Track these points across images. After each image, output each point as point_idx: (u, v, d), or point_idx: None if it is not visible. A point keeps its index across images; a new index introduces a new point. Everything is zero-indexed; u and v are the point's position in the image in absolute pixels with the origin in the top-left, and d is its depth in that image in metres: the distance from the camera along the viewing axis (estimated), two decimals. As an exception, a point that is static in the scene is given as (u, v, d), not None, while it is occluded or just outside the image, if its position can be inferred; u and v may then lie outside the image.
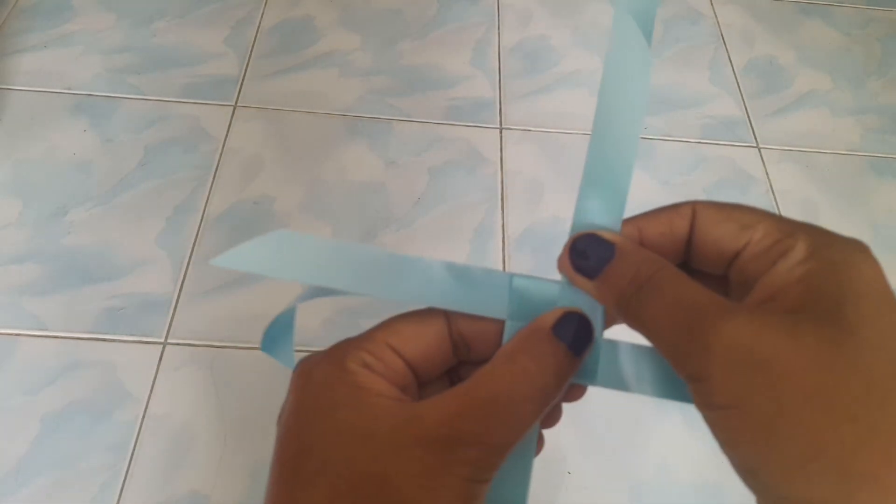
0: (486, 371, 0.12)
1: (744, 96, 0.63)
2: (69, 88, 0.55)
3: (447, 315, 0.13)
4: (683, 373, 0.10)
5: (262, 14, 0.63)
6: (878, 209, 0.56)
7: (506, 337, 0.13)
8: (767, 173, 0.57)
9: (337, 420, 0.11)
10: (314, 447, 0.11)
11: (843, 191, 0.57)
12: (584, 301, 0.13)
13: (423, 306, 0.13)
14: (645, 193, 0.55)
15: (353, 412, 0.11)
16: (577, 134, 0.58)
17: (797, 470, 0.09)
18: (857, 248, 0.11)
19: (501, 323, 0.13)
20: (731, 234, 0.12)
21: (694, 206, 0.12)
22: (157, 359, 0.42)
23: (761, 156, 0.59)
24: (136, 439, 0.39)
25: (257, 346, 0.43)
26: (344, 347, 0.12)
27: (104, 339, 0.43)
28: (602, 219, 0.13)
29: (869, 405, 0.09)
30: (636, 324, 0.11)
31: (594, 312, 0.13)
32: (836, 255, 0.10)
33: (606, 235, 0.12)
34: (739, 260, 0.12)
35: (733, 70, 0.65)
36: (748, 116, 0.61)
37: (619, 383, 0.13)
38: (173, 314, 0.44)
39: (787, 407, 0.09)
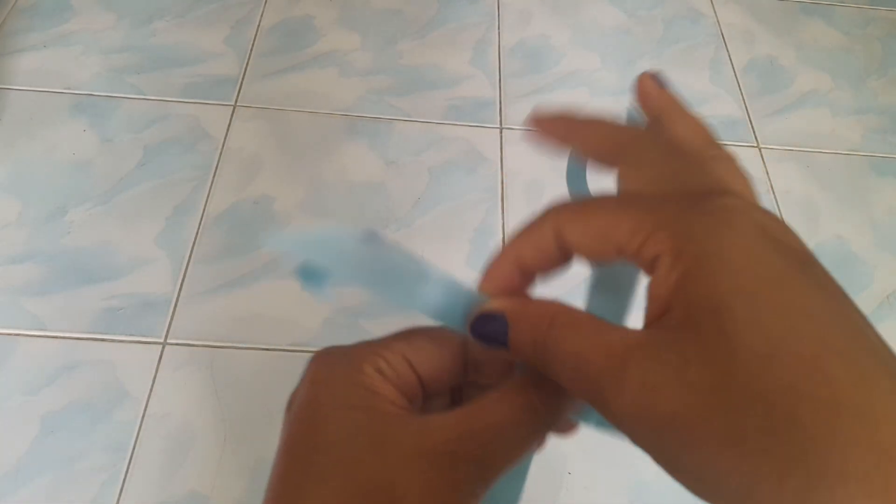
0: (496, 398, 0.12)
1: (744, 96, 0.62)
2: (69, 88, 0.55)
3: (465, 339, 0.13)
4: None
5: (262, 14, 0.62)
6: (878, 209, 0.56)
7: (518, 365, 0.13)
8: (768, 173, 0.57)
9: (352, 421, 0.11)
10: (328, 444, 0.11)
11: (844, 190, 0.57)
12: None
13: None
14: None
15: (368, 416, 0.11)
16: (577, 134, 0.58)
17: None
18: (725, 225, 0.10)
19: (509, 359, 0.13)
20: (597, 246, 0.11)
21: (555, 222, 0.12)
22: (157, 359, 0.42)
23: (762, 155, 0.59)
24: (136, 439, 0.39)
25: (257, 346, 0.43)
26: (363, 350, 0.12)
27: (104, 340, 0.43)
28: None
29: (777, 432, 0.08)
30: (546, 368, 0.11)
31: None
32: (701, 246, 0.10)
33: (494, 305, 0.12)
34: (626, 261, 0.11)
35: (734, 70, 0.64)
36: (748, 116, 0.61)
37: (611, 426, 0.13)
38: (173, 314, 0.44)
39: (707, 462, 0.09)
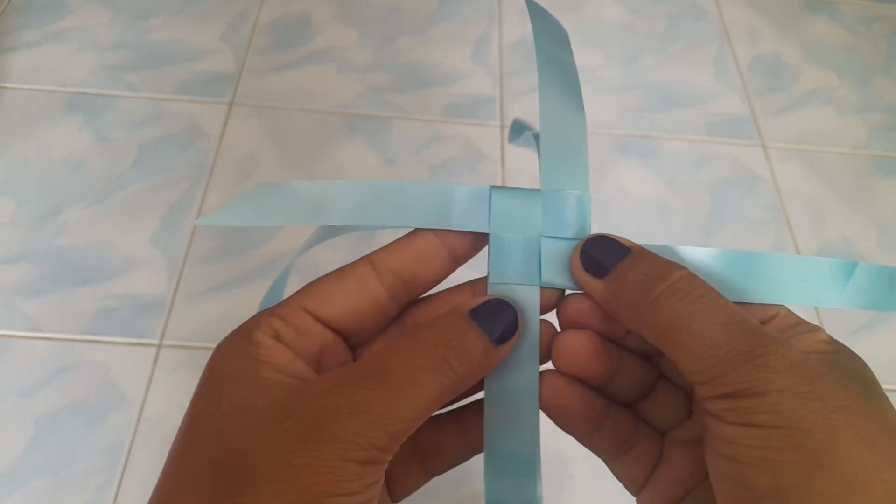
0: (386, 344, 0.11)
1: (749, 94, 0.62)
2: (63, 86, 0.54)
3: (370, 259, 0.12)
4: (722, 389, 0.10)
5: (259, 10, 0.62)
6: (884, 208, 0.55)
7: (491, 259, 0.12)
8: (773, 172, 0.57)
9: (224, 392, 0.10)
10: (195, 424, 0.11)
11: (850, 190, 0.56)
12: (569, 213, 0.13)
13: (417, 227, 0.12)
14: (649, 191, 0.54)
15: (241, 385, 0.10)
16: (578, 132, 0.57)
17: (836, 501, 0.09)
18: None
19: (437, 250, 0.13)
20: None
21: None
22: (153, 360, 0.42)
23: (766, 154, 0.58)
24: (131, 442, 0.39)
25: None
26: (259, 317, 0.11)
27: (98, 341, 0.42)
28: (569, 177, 0.13)
29: None
30: (667, 324, 0.11)
31: (580, 224, 0.13)
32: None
33: (620, 239, 0.12)
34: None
35: (738, 67, 0.64)
36: (753, 114, 0.60)
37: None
38: (168, 315, 0.43)
39: (838, 439, 0.09)
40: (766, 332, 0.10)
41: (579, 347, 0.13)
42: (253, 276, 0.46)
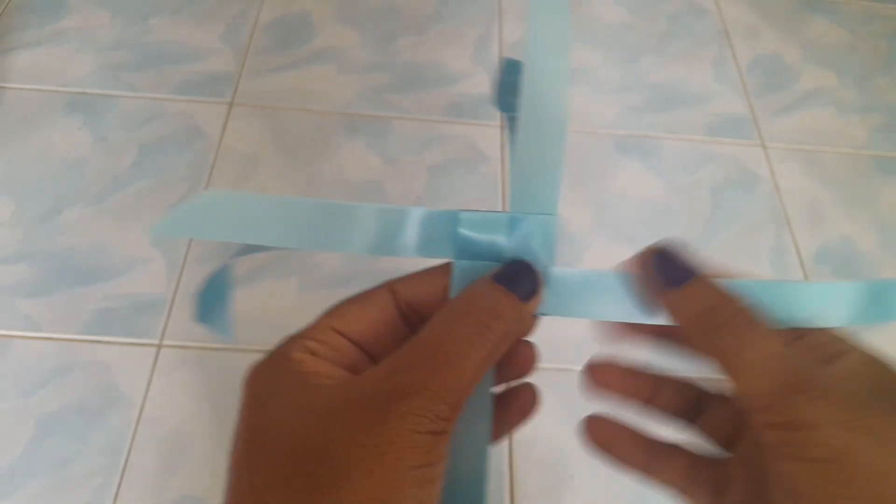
0: (429, 322, 0.11)
1: (749, 94, 0.62)
2: (63, 86, 0.54)
3: (392, 288, 0.13)
4: (777, 418, 0.10)
5: (259, 10, 0.62)
6: (884, 208, 0.55)
7: (454, 288, 0.12)
8: (773, 172, 0.57)
9: (281, 404, 0.11)
10: (258, 432, 0.11)
11: (849, 190, 0.56)
12: (534, 239, 0.12)
13: (377, 254, 0.12)
14: (650, 193, 0.54)
15: (296, 394, 0.11)
16: (578, 132, 0.57)
17: None
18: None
19: (447, 286, 0.13)
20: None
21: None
22: (152, 361, 0.42)
23: (766, 154, 0.58)
24: (131, 442, 0.39)
25: (253, 347, 0.43)
26: (288, 341, 0.12)
27: (98, 341, 0.42)
28: (540, 197, 0.13)
29: None
30: (727, 347, 0.11)
31: (547, 248, 0.12)
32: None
33: (693, 259, 0.12)
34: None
35: (738, 67, 0.64)
36: (753, 114, 0.60)
37: (570, 311, 0.12)
38: (168, 315, 0.43)
39: (894, 471, 0.09)
40: (817, 365, 0.11)
41: (609, 378, 0.13)
42: (253, 276, 0.46)
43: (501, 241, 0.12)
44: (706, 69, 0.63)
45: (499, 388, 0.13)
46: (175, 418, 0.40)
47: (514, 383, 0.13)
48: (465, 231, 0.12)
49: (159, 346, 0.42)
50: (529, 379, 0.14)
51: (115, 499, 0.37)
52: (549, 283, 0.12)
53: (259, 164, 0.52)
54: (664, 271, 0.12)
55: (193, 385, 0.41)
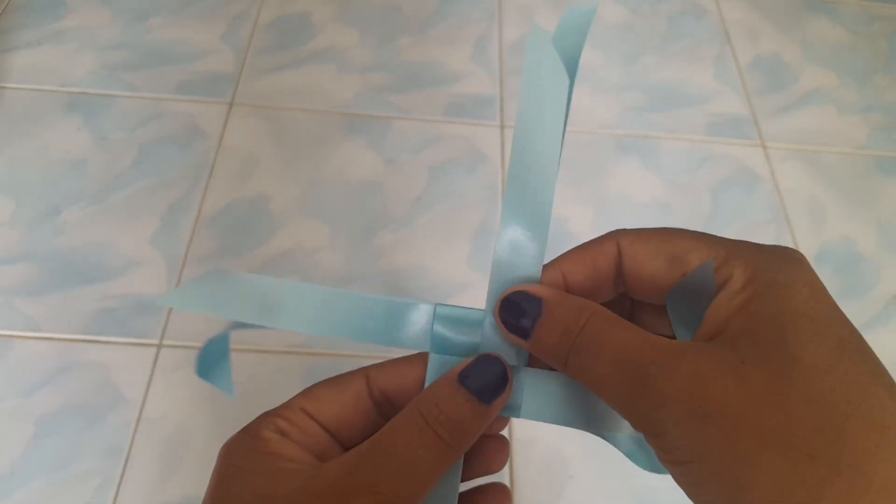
0: (390, 424, 0.12)
1: (749, 93, 0.62)
2: (63, 86, 0.54)
3: (367, 374, 0.13)
4: (639, 428, 0.10)
5: (259, 10, 0.62)
6: (884, 208, 0.55)
7: (428, 379, 0.13)
8: (773, 171, 0.57)
9: (244, 485, 0.11)
10: None
11: (850, 189, 0.56)
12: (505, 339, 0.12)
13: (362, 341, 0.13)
14: (650, 191, 0.54)
15: (259, 477, 0.11)
16: (579, 132, 0.57)
17: None
18: (793, 264, 0.11)
19: (422, 376, 0.13)
20: (663, 269, 0.11)
21: (618, 241, 0.12)
22: (152, 361, 0.42)
23: (766, 154, 0.58)
24: (131, 442, 0.39)
25: (253, 348, 0.43)
26: (262, 418, 0.12)
27: (98, 341, 0.42)
28: (526, 248, 0.12)
29: (826, 440, 0.08)
30: (581, 379, 0.11)
31: (519, 349, 0.12)
32: (772, 275, 0.10)
33: (533, 290, 0.12)
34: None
35: (738, 67, 0.64)
36: (753, 114, 0.60)
37: (546, 416, 0.12)
38: (168, 315, 0.43)
39: (746, 455, 0.09)
40: (645, 356, 0.10)
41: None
42: (253, 276, 0.46)
43: (476, 336, 0.12)
44: (706, 69, 0.63)
45: (470, 484, 0.14)
46: (175, 418, 0.40)
47: (482, 481, 0.13)
48: (439, 328, 0.12)
49: (159, 347, 0.42)
50: (499, 477, 0.14)
51: (115, 499, 0.37)
52: (521, 385, 0.12)
53: (259, 163, 0.52)
54: (514, 328, 0.12)
55: (193, 385, 0.41)
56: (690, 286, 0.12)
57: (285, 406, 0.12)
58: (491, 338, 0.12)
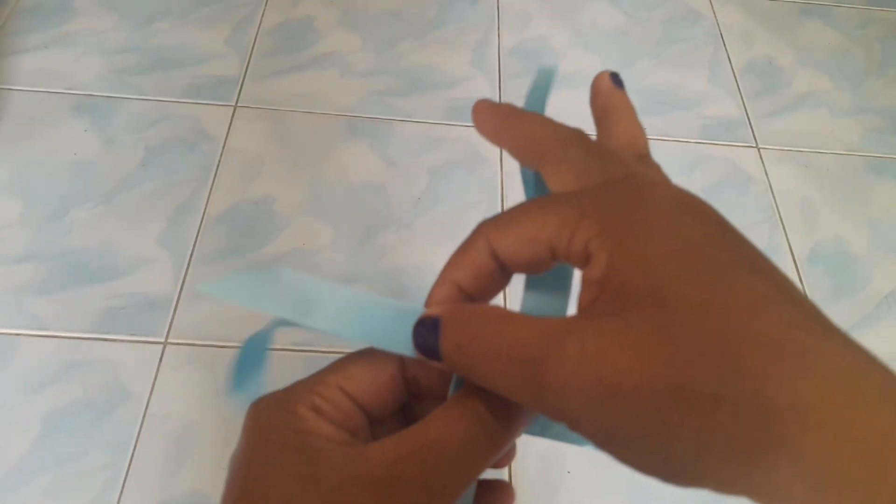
0: (437, 414, 0.11)
1: (743, 96, 0.63)
2: (70, 89, 0.55)
3: (400, 356, 0.13)
4: (555, 420, 0.10)
5: (263, 14, 0.63)
6: (877, 209, 0.56)
7: (454, 384, 0.13)
8: (767, 173, 0.58)
9: (282, 464, 0.11)
10: (260, 491, 0.11)
11: (843, 191, 0.57)
12: None
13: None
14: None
15: (299, 456, 0.11)
16: (576, 134, 0.58)
17: (692, 472, 0.09)
18: (641, 192, 0.10)
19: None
20: (530, 253, 0.11)
21: (486, 236, 0.12)
22: (158, 358, 0.42)
23: (760, 156, 0.59)
24: (137, 439, 0.39)
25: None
26: (296, 390, 0.12)
27: (105, 339, 0.43)
28: None
29: (724, 379, 0.08)
30: (489, 387, 0.11)
31: None
32: (624, 218, 0.10)
33: (430, 312, 0.12)
34: (561, 262, 0.11)
35: (733, 70, 0.65)
36: (747, 116, 0.61)
37: (567, 435, 0.12)
38: (174, 314, 0.44)
39: (661, 425, 0.09)
40: (538, 349, 0.10)
41: None
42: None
43: None
44: (701, 73, 0.64)
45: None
46: (180, 415, 0.40)
47: (484, 476, 0.13)
48: None
49: (165, 344, 0.43)
50: (497, 473, 0.13)
51: (122, 494, 0.38)
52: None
53: (263, 165, 0.53)
54: (427, 353, 0.11)
55: (199, 382, 0.42)
56: (542, 280, 0.12)
57: (319, 382, 0.12)
58: None
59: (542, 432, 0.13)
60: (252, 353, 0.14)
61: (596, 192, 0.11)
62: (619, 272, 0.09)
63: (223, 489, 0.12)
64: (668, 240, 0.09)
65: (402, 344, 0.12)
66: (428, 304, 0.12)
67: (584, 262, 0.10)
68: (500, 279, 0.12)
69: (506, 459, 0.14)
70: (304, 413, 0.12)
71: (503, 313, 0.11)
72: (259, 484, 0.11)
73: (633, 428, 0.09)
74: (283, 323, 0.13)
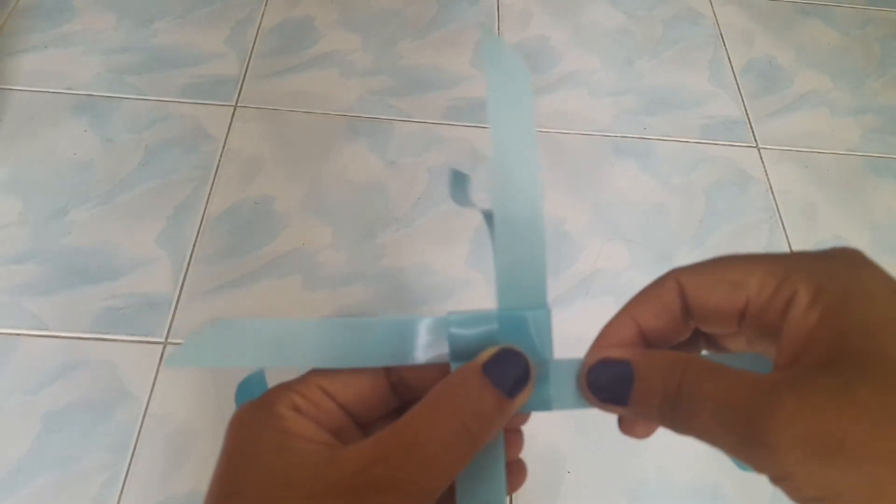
0: (410, 414, 0.11)
1: (743, 96, 0.63)
2: (70, 89, 0.55)
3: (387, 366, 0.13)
4: (762, 472, 0.10)
5: (263, 14, 0.63)
6: (877, 209, 0.56)
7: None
8: (767, 173, 0.58)
9: (260, 465, 0.11)
10: (237, 492, 0.11)
11: (843, 191, 0.57)
12: (526, 332, 0.12)
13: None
14: (645, 194, 0.55)
15: (277, 457, 0.11)
16: (576, 134, 0.58)
17: None
18: (858, 266, 0.10)
19: (445, 364, 0.12)
20: (726, 297, 0.11)
21: (677, 278, 0.12)
22: (158, 358, 0.42)
23: (761, 156, 0.59)
24: (137, 439, 0.39)
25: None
26: (277, 390, 0.12)
27: (105, 339, 0.43)
28: (527, 292, 0.12)
29: None
30: (689, 434, 0.11)
31: (541, 342, 0.12)
32: (842, 283, 0.10)
33: (616, 354, 0.12)
34: (747, 318, 0.11)
35: (733, 70, 0.65)
36: (748, 116, 0.61)
37: (576, 402, 0.12)
38: (174, 314, 0.44)
39: (886, 485, 0.08)
40: (750, 401, 0.09)
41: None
42: (257, 275, 0.47)
43: (494, 334, 0.12)
44: (701, 72, 0.64)
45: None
46: (180, 415, 0.40)
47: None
48: (455, 330, 0.12)
49: (165, 344, 0.43)
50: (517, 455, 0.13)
51: (121, 494, 0.38)
52: (545, 377, 0.12)
53: (263, 165, 0.53)
54: (609, 398, 0.11)
55: (198, 382, 0.42)
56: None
57: (301, 381, 0.12)
58: (512, 334, 0.12)
59: (545, 406, 0.12)
60: (254, 385, 0.14)
61: (804, 256, 0.11)
62: (835, 331, 0.09)
63: (206, 493, 0.12)
64: (890, 308, 0.09)
65: (392, 356, 0.12)
66: (603, 340, 0.12)
67: (780, 316, 0.10)
68: (681, 325, 0.12)
69: (512, 452, 0.13)
70: (284, 412, 0.11)
71: (709, 362, 0.11)
72: (238, 488, 0.11)
73: (850, 487, 0.09)
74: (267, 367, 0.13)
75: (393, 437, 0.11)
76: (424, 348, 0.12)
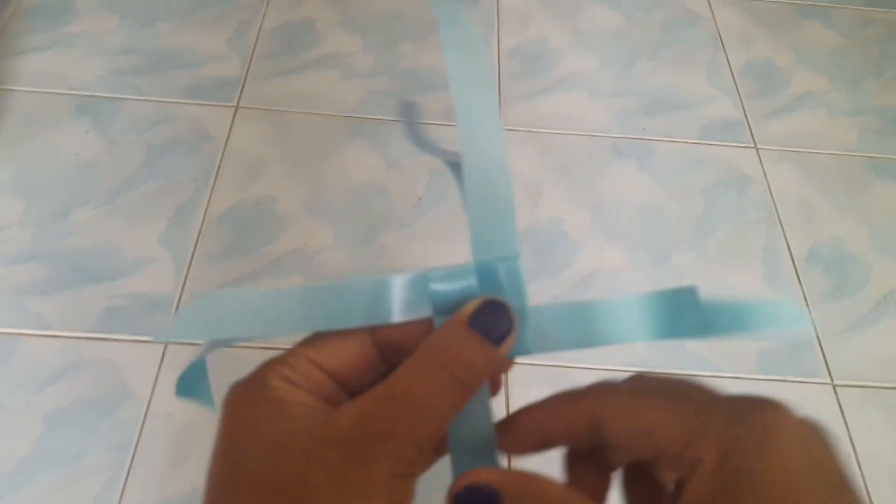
0: (401, 370, 0.12)
1: (742, 97, 0.63)
2: (72, 89, 0.55)
3: (372, 330, 0.13)
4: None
5: (264, 16, 0.63)
6: (874, 209, 0.57)
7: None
8: (765, 174, 0.58)
9: (258, 434, 0.11)
10: (236, 462, 0.11)
11: (841, 191, 0.57)
12: (501, 282, 0.13)
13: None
14: (644, 194, 0.55)
15: (273, 424, 0.11)
16: (575, 135, 0.58)
17: None
18: (769, 432, 0.10)
19: (429, 321, 0.13)
20: (639, 440, 0.11)
21: (599, 402, 0.12)
22: (160, 358, 0.42)
23: (759, 156, 0.59)
24: (138, 438, 0.39)
25: (258, 345, 0.44)
26: (266, 365, 0.12)
27: (107, 339, 0.43)
28: (500, 242, 0.13)
29: None
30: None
31: (517, 290, 0.13)
32: (745, 461, 0.10)
33: (488, 478, 0.12)
34: (659, 458, 0.11)
35: (731, 71, 0.65)
36: (746, 117, 0.62)
37: (554, 345, 0.13)
38: (175, 313, 0.44)
39: None
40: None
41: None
42: (258, 275, 0.47)
43: (473, 287, 0.13)
44: (700, 74, 0.64)
45: None
46: (182, 414, 0.40)
47: None
48: (436, 286, 0.13)
49: (166, 344, 0.43)
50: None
51: (123, 493, 0.38)
52: (524, 323, 0.13)
53: (264, 166, 0.53)
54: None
55: (200, 381, 0.42)
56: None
57: (290, 354, 0.12)
58: (489, 285, 0.13)
59: (525, 350, 0.13)
60: (194, 374, 0.14)
61: (721, 410, 0.11)
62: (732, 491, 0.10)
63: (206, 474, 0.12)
64: (788, 492, 0.10)
65: (370, 315, 0.12)
66: (504, 430, 0.12)
67: (686, 471, 0.11)
68: (586, 441, 0.12)
69: (493, 391, 0.14)
70: (276, 384, 0.12)
71: (581, 499, 0.11)
72: (238, 458, 0.11)
73: None
74: (220, 344, 0.13)
75: (385, 391, 0.11)
76: (404, 306, 0.12)
